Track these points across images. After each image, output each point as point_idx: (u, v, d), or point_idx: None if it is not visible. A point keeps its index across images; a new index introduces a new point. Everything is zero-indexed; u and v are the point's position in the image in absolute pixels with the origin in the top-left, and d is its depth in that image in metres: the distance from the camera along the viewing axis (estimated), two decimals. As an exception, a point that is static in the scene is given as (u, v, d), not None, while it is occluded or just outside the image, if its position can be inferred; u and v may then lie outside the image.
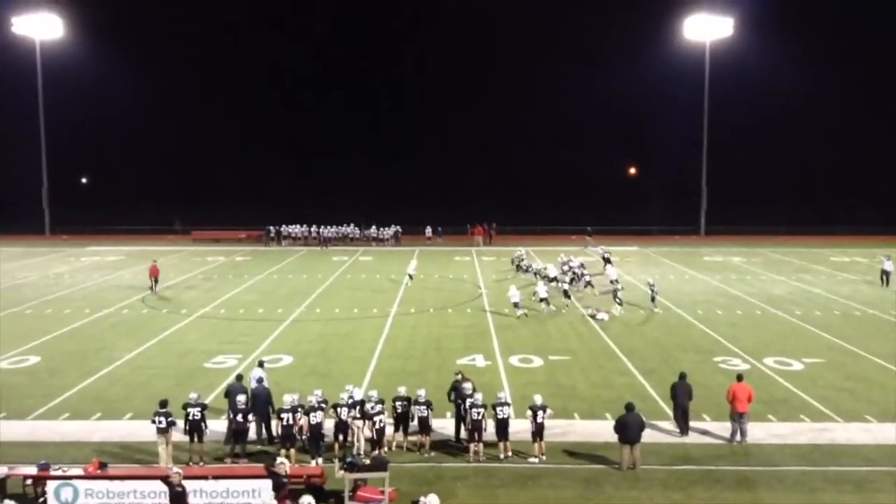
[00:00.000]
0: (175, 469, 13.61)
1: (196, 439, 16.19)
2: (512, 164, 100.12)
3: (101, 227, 65.97)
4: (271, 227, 59.77)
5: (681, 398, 17.76)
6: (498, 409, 16.51)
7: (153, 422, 16.06)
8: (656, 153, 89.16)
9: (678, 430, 17.77)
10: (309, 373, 22.76)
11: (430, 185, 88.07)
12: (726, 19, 63.60)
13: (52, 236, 64.73)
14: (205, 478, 14.10)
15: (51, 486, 13.79)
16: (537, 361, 24.11)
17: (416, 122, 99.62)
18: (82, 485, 13.69)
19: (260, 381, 17.93)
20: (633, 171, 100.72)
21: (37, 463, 14.63)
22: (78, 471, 14.24)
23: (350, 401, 16.75)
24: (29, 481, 14.35)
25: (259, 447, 17.06)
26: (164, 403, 16.37)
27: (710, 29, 63.98)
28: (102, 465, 14.33)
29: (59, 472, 14.15)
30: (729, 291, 37.23)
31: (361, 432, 16.72)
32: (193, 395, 16.67)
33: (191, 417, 16.17)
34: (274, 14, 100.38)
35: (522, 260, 43.28)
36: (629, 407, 16.51)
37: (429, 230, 60.71)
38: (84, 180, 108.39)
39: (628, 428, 15.95)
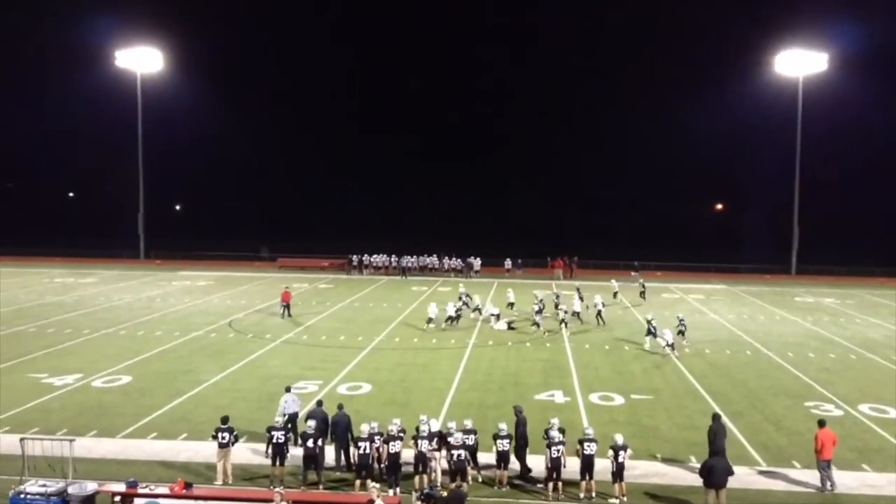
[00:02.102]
0: (278, 489, 13.90)
1: (278, 462, 16.44)
2: (598, 197, 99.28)
3: (192, 253, 68.35)
4: (354, 256, 60.74)
5: (719, 441, 17.10)
6: (585, 444, 16.16)
7: (214, 437, 16.47)
8: (746, 190, 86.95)
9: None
10: (388, 402, 22.86)
11: (513, 218, 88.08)
12: (820, 55, 61.78)
13: (146, 261, 67.40)
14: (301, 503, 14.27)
15: (138, 503, 14.18)
16: (618, 399, 23.58)
17: (502, 155, 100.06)
18: (168, 504, 14.05)
19: (340, 407, 18.11)
20: (720, 206, 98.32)
21: (125, 480, 15.09)
22: (164, 490, 14.61)
23: (427, 432, 16.72)
24: (117, 498, 14.75)
25: (338, 474, 17.17)
26: (225, 420, 16.90)
27: (804, 64, 62.21)
28: (187, 486, 14.66)
29: (146, 490, 14.55)
30: (821, 334, 35.70)
31: (438, 464, 16.63)
32: (278, 420, 16.97)
33: (274, 441, 16.45)
34: (362, 50, 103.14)
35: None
36: (715, 451, 15.93)
37: (508, 262, 60.55)
38: (177, 207, 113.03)
39: (714, 472, 15.38)
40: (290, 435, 17.23)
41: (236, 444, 17.14)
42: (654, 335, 31.54)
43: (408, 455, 16.62)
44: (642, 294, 45.10)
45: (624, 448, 16.06)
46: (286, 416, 18.11)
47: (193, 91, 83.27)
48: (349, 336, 33.09)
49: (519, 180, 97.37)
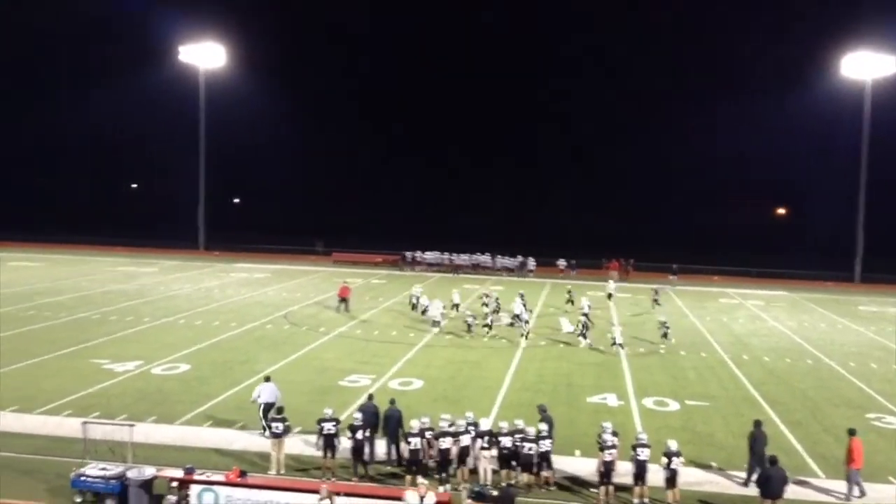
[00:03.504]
0: (325, 481, 14.09)
1: (329, 454, 16.63)
2: (658, 199, 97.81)
3: (249, 246, 69.51)
4: (407, 253, 61.04)
5: (758, 448, 16.87)
6: (638, 450, 15.95)
7: (268, 427, 16.71)
8: (809, 196, 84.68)
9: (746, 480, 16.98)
10: (439, 398, 22.91)
11: (570, 217, 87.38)
12: (889, 57, 59.70)
13: (205, 252, 68.77)
14: (350, 494, 14.42)
15: (194, 489, 14.51)
16: (673, 405, 23.20)
17: (562, 154, 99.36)
18: (223, 491, 14.33)
19: (392, 402, 18.21)
20: (782, 211, 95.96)
21: (182, 466, 15.43)
22: (220, 477, 14.89)
23: (474, 429, 16.72)
24: (174, 483, 15.11)
25: (389, 468, 17.28)
26: (280, 410, 17.24)
27: (872, 67, 60.18)
28: (242, 474, 14.92)
29: (202, 477, 14.85)
30: (886, 345, 34.55)
31: (488, 462, 16.60)
32: (328, 411, 17.17)
33: (324, 432, 16.64)
34: (419, 50, 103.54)
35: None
36: (773, 460, 15.58)
37: (562, 262, 60.04)
38: (236, 200, 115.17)
39: (771, 482, 15.05)
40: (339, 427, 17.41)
41: (290, 435, 17.40)
42: (667, 336, 32.15)
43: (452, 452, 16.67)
44: (656, 301, 42.87)
45: (677, 454, 15.80)
46: (261, 406, 18.67)
47: (254, 86, 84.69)
48: (401, 332, 33.26)
49: (580, 179, 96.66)
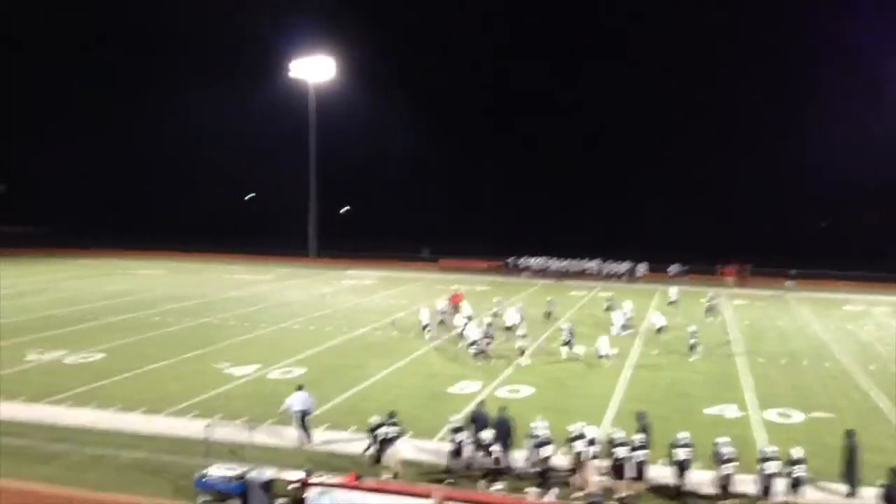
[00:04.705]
0: (437, 487, 14.22)
1: (451, 460, 16.86)
2: (776, 203, 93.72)
3: (358, 253, 71.03)
4: (510, 259, 61.00)
5: (855, 459, 16.15)
6: (764, 463, 15.31)
7: (375, 430, 17.14)
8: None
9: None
10: (548, 406, 22.64)
11: (686, 221, 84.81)
12: None
13: (316, 259, 70.74)
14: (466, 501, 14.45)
15: (312, 492, 14.85)
16: (797, 417, 22.12)
17: (682, 157, 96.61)
18: (341, 494, 14.60)
19: (503, 409, 18.17)
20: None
21: (301, 469, 15.83)
22: (337, 480, 15.19)
23: (584, 438, 16.49)
24: (293, 486, 15.53)
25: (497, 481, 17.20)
26: (392, 414, 17.59)
27: None
28: (359, 478, 15.18)
29: (320, 480, 15.20)
30: None
31: (595, 472, 16.31)
32: (456, 417, 17.56)
33: (456, 441, 16.98)
34: (532, 58, 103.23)
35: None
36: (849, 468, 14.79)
37: (673, 268, 58.40)
38: (345, 209, 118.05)
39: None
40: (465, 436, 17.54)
41: (403, 440, 17.58)
42: (695, 348, 30.13)
43: (561, 461, 16.50)
44: (710, 309, 39.83)
45: (801, 461, 15.12)
46: (294, 414, 19.12)
47: (362, 96, 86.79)
48: (509, 339, 33.11)
49: (702, 183, 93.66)
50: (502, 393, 24.13)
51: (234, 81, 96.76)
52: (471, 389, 24.30)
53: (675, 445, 16.22)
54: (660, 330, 33.94)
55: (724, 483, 15.36)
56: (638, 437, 16.30)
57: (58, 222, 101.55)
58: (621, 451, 15.98)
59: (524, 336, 29.51)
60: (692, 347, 30.09)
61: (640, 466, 15.97)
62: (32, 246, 74.12)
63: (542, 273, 59.22)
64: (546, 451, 16.22)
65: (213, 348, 30.10)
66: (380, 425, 17.16)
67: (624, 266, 58.28)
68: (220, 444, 17.32)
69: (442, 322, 34.83)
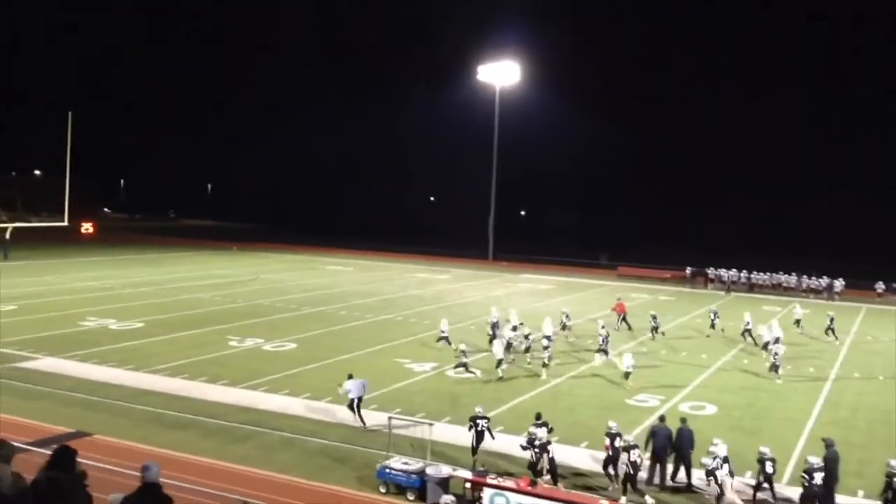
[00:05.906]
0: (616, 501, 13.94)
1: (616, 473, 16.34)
2: None
3: (534, 257, 70.99)
4: (689, 268, 58.64)
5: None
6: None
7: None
8: None
9: None
10: (734, 427, 21.44)
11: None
12: None
13: (493, 262, 71.45)
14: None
15: (487, 492, 14.94)
16: None
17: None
18: (514, 497, 14.59)
19: (683, 421, 17.82)
20: None
21: (476, 469, 15.98)
22: (510, 483, 15.19)
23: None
24: (468, 485, 15.70)
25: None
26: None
27: None
28: (533, 483, 15.10)
29: (494, 482, 15.26)
30: None
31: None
32: (613, 424, 17.02)
33: (629, 457, 16.49)
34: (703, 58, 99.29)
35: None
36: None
37: (880, 285, 53.46)
38: (522, 213, 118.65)
39: None
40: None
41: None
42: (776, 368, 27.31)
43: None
44: (830, 329, 35.40)
45: None
46: (352, 400, 20.17)
47: (545, 100, 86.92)
48: (692, 353, 31.75)
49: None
50: (684, 409, 23.06)
51: (425, 85, 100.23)
52: (651, 403, 23.50)
53: (811, 470, 15.07)
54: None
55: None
56: (814, 462, 15.16)
57: (259, 220, 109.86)
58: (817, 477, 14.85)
59: (546, 347, 27.43)
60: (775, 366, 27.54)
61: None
62: (238, 239, 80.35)
63: (734, 284, 55.84)
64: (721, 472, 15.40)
65: (395, 344, 31.22)
66: (479, 418, 17.69)
67: (823, 281, 54.09)
68: (400, 437, 17.82)
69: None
